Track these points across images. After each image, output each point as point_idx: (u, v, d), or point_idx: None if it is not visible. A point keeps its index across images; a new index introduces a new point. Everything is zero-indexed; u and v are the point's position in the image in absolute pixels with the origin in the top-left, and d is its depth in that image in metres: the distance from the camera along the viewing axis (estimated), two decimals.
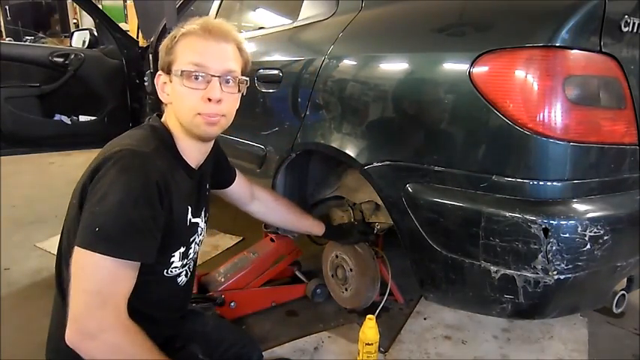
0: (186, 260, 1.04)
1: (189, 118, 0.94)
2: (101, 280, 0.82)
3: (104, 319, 0.81)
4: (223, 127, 0.99)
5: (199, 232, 1.08)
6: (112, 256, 0.81)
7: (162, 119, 1.02)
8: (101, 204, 0.82)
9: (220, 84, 0.93)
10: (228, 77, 0.95)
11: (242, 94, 1.00)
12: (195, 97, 0.92)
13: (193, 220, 1.03)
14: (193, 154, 1.02)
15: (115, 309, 0.83)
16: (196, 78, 0.92)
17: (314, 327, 1.73)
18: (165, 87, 0.97)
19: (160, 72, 0.98)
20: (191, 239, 1.04)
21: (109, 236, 0.81)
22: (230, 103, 0.98)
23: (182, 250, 1.01)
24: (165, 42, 0.97)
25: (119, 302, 0.84)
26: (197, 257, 1.15)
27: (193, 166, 1.03)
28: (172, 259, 0.99)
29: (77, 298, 0.82)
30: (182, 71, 0.91)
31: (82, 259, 0.82)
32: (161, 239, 0.90)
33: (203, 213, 1.11)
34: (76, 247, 0.82)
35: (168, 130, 0.99)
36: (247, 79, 1.00)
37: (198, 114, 0.93)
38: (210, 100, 0.92)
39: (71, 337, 0.81)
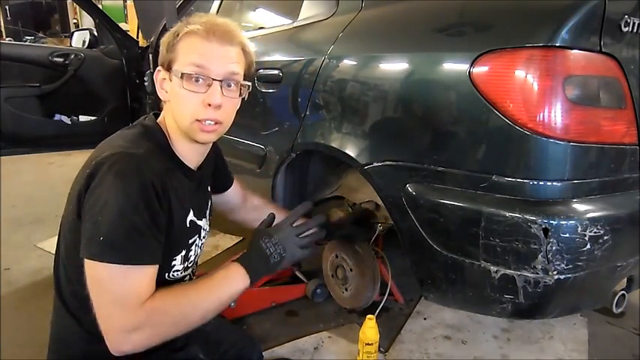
0: (187, 263, 1.03)
1: (186, 123, 0.92)
2: (118, 288, 0.82)
3: (137, 316, 0.82)
4: (220, 134, 0.97)
5: (201, 235, 1.07)
6: (121, 263, 0.81)
7: (160, 118, 1.00)
8: (102, 213, 0.81)
9: (221, 88, 0.91)
10: (230, 81, 0.92)
11: (243, 98, 0.98)
12: (195, 101, 0.90)
13: (196, 222, 1.02)
14: (191, 155, 1.00)
15: (139, 304, 0.83)
16: (197, 80, 0.89)
17: (314, 327, 1.73)
18: (164, 84, 0.95)
19: (159, 68, 0.95)
20: (191, 241, 1.03)
21: (114, 244, 0.81)
22: (229, 108, 0.95)
23: (183, 253, 1.00)
24: (166, 37, 0.94)
25: (141, 298, 0.84)
26: (198, 259, 1.13)
27: (192, 167, 1.01)
28: (174, 263, 0.98)
29: (103, 308, 0.83)
30: (182, 73, 0.89)
31: (95, 271, 0.82)
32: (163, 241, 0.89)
33: (207, 214, 1.10)
34: (85, 260, 0.82)
35: (163, 130, 0.97)
36: (249, 83, 0.97)
37: (196, 120, 0.91)
38: (209, 105, 0.90)
39: (115, 344, 0.82)
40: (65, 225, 0.94)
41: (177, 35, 0.92)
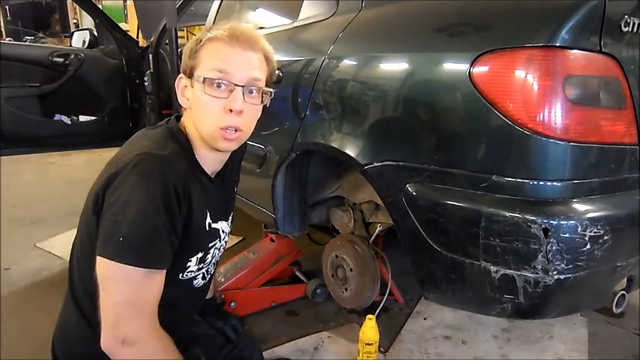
0: (203, 264, 1.03)
1: (208, 130, 0.91)
2: (133, 291, 0.82)
3: (142, 328, 0.83)
4: (241, 142, 0.96)
5: (221, 238, 1.06)
6: (138, 266, 0.81)
7: (180, 123, 1.00)
8: (123, 213, 0.81)
9: (243, 94, 0.90)
10: (252, 87, 0.92)
11: (265, 105, 0.97)
12: (217, 107, 0.89)
13: (214, 226, 1.02)
14: (210, 162, 1.00)
15: (151, 317, 0.85)
16: (219, 86, 0.89)
17: (314, 327, 1.73)
18: (186, 91, 0.95)
19: (181, 75, 0.95)
20: (210, 245, 1.03)
21: (133, 246, 0.81)
22: (251, 114, 0.94)
23: (200, 255, 1.00)
24: (189, 44, 0.94)
25: (153, 310, 0.85)
26: (217, 261, 1.13)
27: (210, 173, 1.01)
28: (188, 264, 0.98)
29: (112, 309, 0.82)
30: (205, 78, 0.88)
31: (109, 269, 0.81)
32: (178, 244, 0.89)
33: (228, 218, 1.10)
34: (99, 258, 0.82)
35: (186, 134, 0.97)
36: (272, 90, 0.97)
37: (220, 128, 0.90)
38: (231, 110, 0.89)
39: (108, 344, 0.82)
40: (82, 220, 0.94)
41: (200, 41, 0.92)
